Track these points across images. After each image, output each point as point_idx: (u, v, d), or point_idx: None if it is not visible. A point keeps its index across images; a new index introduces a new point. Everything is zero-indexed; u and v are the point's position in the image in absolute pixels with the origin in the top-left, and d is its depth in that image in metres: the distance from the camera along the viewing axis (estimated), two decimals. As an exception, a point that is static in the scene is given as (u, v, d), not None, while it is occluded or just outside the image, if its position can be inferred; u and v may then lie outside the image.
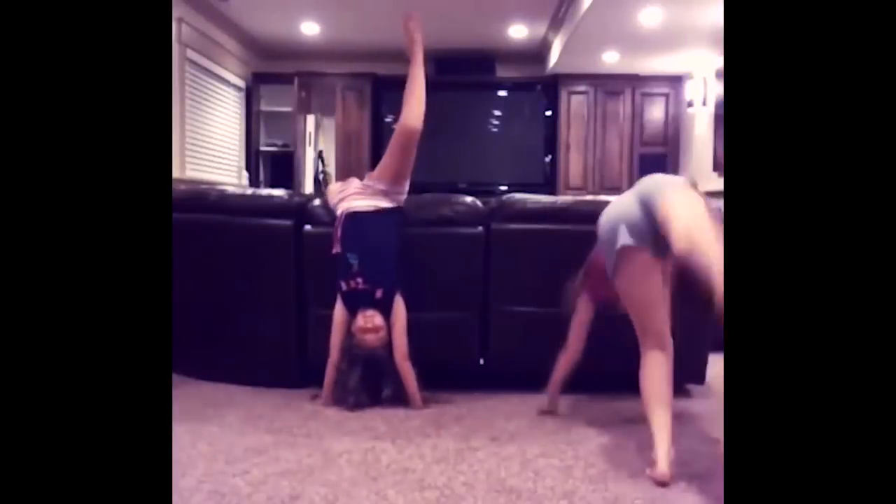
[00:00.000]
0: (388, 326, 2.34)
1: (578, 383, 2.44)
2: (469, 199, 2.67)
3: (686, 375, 2.62)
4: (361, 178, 2.67)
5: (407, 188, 2.59)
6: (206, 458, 1.88)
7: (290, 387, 2.56)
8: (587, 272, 2.28)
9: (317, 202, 2.68)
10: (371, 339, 2.32)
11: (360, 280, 2.33)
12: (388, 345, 2.35)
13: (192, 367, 2.70)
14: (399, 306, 2.37)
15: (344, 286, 2.36)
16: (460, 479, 1.76)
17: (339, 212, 2.52)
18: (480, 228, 2.60)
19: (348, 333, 2.35)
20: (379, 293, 2.33)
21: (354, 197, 2.52)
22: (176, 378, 2.63)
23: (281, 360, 2.63)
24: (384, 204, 2.49)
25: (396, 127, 2.65)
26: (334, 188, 2.76)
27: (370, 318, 2.32)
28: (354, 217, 2.43)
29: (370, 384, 2.34)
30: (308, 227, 2.60)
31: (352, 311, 2.36)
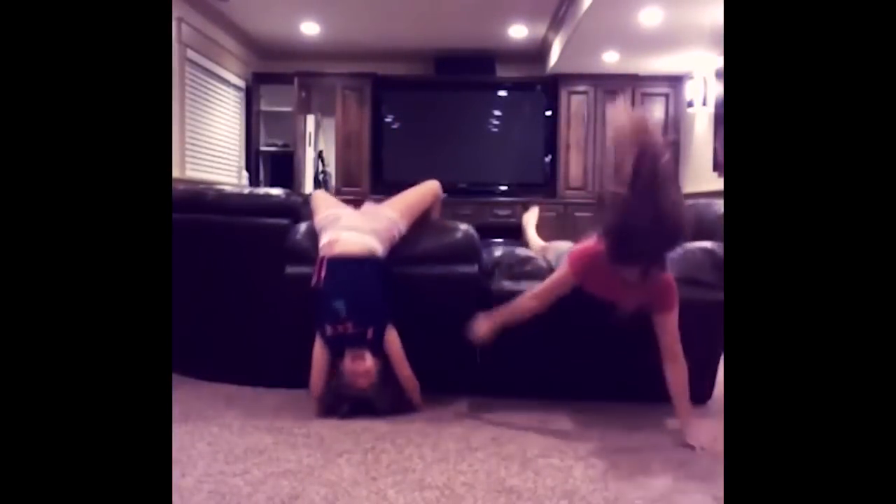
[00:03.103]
0: (379, 362, 2.24)
1: (581, 389, 2.45)
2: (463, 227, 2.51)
3: (695, 397, 2.51)
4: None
5: None
6: (206, 458, 1.88)
7: (290, 387, 2.56)
8: (590, 262, 2.07)
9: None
10: (362, 382, 2.22)
11: (349, 324, 2.21)
12: (378, 383, 2.25)
13: (192, 367, 2.70)
14: (392, 338, 2.25)
15: (330, 330, 2.23)
16: (460, 479, 1.76)
17: (323, 240, 2.34)
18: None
19: (334, 373, 2.25)
20: (370, 333, 2.22)
21: (346, 229, 2.34)
22: (176, 378, 2.64)
23: (281, 360, 2.63)
24: (376, 246, 2.32)
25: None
26: (323, 202, 2.57)
27: (360, 361, 2.21)
28: (339, 262, 2.26)
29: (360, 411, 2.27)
30: (300, 224, 2.55)
31: (338, 352, 2.24)
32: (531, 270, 2.43)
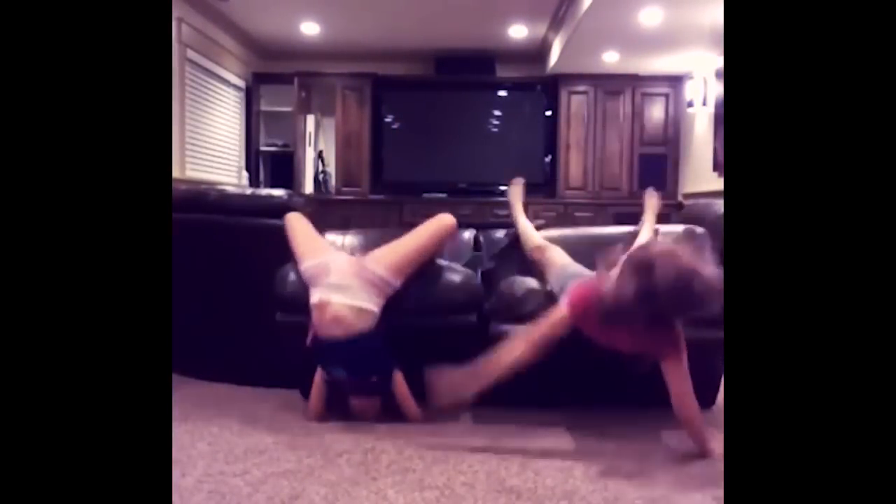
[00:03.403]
0: (384, 397, 2.18)
1: (581, 393, 2.44)
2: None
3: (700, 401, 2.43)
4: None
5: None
6: (206, 458, 1.88)
7: (290, 387, 2.56)
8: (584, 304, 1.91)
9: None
10: (367, 414, 2.20)
11: (351, 381, 2.15)
12: (381, 410, 2.21)
13: (192, 367, 2.70)
14: (398, 382, 2.17)
15: (331, 378, 2.19)
16: (460, 479, 1.76)
17: (313, 297, 2.14)
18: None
19: (340, 400, 2.20)
20: (374, 378, 2.15)
21: (336, 290, 2.12)
22: (176, 378, 2.63)
23: (281, 360, 2.63)
24: (370, 309, 2.12)
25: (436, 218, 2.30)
26: (303, 239, 2.34)
27: (365, 399, 2.18)
28: (332, 341, 2.11)
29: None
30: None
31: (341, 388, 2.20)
32: (533, 310, 2.12)
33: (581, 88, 6.66)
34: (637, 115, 6.65)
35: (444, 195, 6.53)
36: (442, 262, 2.34)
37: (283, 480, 1.72)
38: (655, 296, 1.73)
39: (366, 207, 6.55)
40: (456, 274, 2.27)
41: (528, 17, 5.71)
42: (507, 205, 3.21)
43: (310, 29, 6.08)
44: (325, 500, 1.62)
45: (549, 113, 6.74)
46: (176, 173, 4.94)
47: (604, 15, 4.66)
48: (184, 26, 5.11)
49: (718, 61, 5.55)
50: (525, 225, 2.64)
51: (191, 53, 5.28)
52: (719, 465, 1.80)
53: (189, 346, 2.62)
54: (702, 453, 1.92)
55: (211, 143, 5.78)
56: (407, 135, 6.78)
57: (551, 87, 6.70)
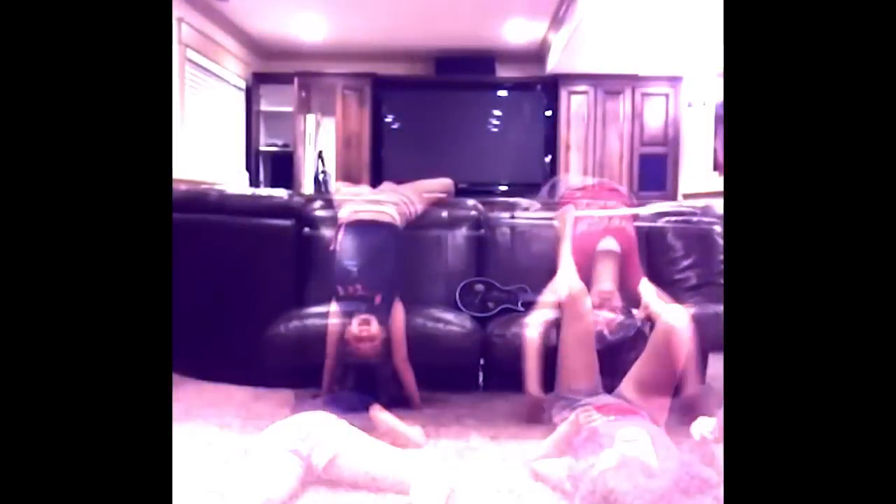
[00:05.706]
0: (384, 332, 2.27)
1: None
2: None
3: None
4: (359, 182, 2.69)
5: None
6: (206, 458, 1.88)
7: (291, 387, 2.56)
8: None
9: (317, 205, 2.67)
10: (365, 347, 2.23)
11: (358, 286, 2.33)
12: (383, 353, 2.27)
13: (192, 367, 2.70)
14: (398, 311, 2.36)
15: (341, 291, 2.36)
16: (460, 479, 1.76)
17: (342, 214, 2.57)
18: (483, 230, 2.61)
19: (342, 340, 2.27)
20: (378, 298, 2.31)
21: (366, 202, 2.59)
22: (176, 378, 2.63)
23: (281, 360, 2.63)
24: (394, 215, 2.56)
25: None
26: (345, 190, 2.89)
27: (365, 327, 2.23)
28: (356, 226, 2.49)
29: (364, 391, 2.21)
30: (307, 229, 2.62)
31: (348, 315, 2.30)
32: None
33: (581, 88, 6.65)
34: (637, 115, 6.64)
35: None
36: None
37: (283, 480, 1.72)
38: None
39: (366, 207, 6.53)
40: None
41: (527, 17, 5.71)
42: (508, 206, 3.09)
43: (310, 29, 6.08)
44: (325, 500, 1.62)
45: (549, 113, 6.73)
46: (176, 173, 4.94)
47: (604, 15, 4.66)
48: (184, 26, 5.10)
49: (718, 61, 5.56)
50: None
51: (191, 53, 5.27)
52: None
53: (189, 346, 2.61)
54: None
55: (211, 143, 5.77)
56: (407, 135, 6.77)
57: (551, 87, 6.69)
